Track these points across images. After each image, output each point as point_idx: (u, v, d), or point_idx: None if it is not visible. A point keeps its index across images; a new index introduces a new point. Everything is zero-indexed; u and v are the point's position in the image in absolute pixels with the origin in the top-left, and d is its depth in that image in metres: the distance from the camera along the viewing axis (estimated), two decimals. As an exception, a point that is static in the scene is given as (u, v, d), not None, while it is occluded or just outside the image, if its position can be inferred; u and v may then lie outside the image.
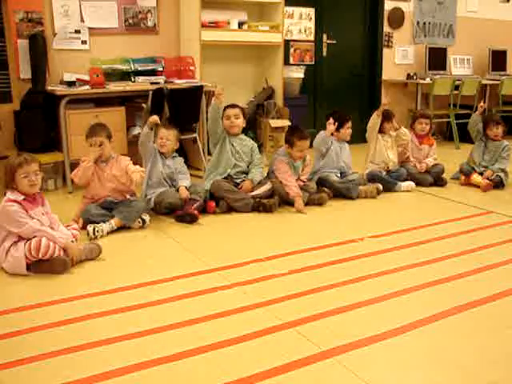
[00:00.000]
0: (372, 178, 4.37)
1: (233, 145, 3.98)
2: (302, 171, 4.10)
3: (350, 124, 4.31)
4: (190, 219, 3.49)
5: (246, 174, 4.00)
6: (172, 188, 3.72)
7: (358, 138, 5.47)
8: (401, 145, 4.58)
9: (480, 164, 4.63)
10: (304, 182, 4.05)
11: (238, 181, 3.92)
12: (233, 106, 4.05)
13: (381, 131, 4.49)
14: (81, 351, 1.98)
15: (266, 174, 4.12)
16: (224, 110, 4.01)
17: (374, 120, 4.42)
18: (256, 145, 4.14)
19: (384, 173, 4.45)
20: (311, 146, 4.23)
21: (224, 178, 3.89)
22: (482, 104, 4.68)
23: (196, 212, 3.52)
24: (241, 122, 4.02)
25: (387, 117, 4.46)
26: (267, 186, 3.89)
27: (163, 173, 3.72)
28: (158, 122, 3.69)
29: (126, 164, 3.43)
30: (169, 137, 3.75)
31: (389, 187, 4.35)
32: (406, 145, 4.62)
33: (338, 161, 4.28)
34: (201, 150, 4.90)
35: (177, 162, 3.83)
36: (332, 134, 4.26)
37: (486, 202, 4.07)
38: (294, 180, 3.94)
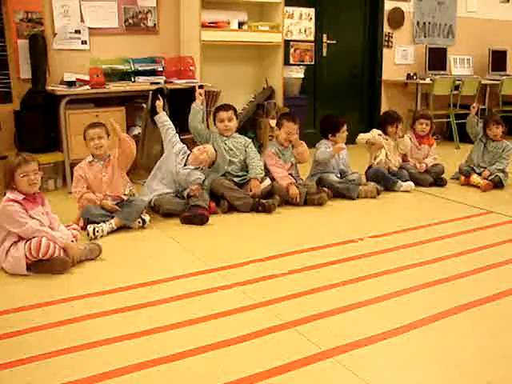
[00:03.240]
0: (375, 175, 4.36)
1: (225, 143, 3.97)
2: (294, 159, 4.11)
3: (344, 128, 4.27)
4: (200, 221, 3.44)
5: (245, 171, 3.98)
6: (173, 194, 3.69)
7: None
8: (400, 152, 4.58)
9: (479, 165, 4.62)
10: (300, 180, 4.06)
11: (236, 179, 3.91)
12: (225, 108, 4.02)
13: (385, 133, 4.49)
14: (81, 351, 1.98)
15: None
16: (217, 111, 4.01)
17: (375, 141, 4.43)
18: (250, 140, 4.12)
19: (386, 171, 4.44)
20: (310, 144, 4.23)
21: (222, 176, 3.90)
22: (474, 105, 4.70)
23: (205, 212, 3.49)
24: (234, 124, 4.02)
25: (390, 120, 4.45)
26: (266, 183, 3.89)
27: (173, 173, 3.69)
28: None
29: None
30: (209, 153, 3.76)
31: (389, 185, 4.35)
32: (405, 153, 4.63)
33: (337, 164, 4.28)
34: (201, 149, 4.90)
35: (194, 177, 3.66)
36: (328, 139, 4.28)
37: (486, 202, 4.07)
38: (283, 170, 3.97)
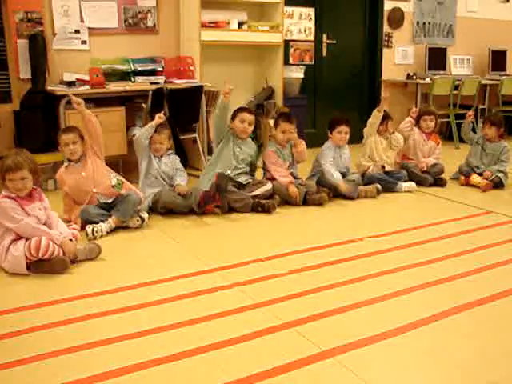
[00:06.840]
0: (372, 181, 4.34)
1: (238, 147, 3.95)
2: (293, 159, 4.12)
3: (342, 128, 4.20)
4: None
5: (249, 174, 3.98)
6: (170, 187, 3.73)
7: (358, 138, 5.48)
8: (393, 149, 4.57)
9: (478, 167, 4.60)
10: (297, 177, 4.08)
11: (239, 179, 3.90)
12: (251, 111, 4.04)
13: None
14: (81, 351, 1.98)
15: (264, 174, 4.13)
16: (240, 111, 3.97)
17: (375, 116, 4.39)
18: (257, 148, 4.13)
19: (382, 173, 4.43)
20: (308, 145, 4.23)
21: None
22: (469, 113, 4.71)
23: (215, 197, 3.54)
24: (251, 129, 4.02)
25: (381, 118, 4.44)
26: (267, 186, 3.88)
27: (159, 171, 3.72)
28: (164, 118, 3.70)
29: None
30: (162, 140, 3.75)
31: (389, 187, 4.34)
32: (399, 150, 4.62)
33: (337, 165, 4.26)
34: (201, 150, 4.90)
35: (173, 160, 3.83)
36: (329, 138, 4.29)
37: (486, 202, 4.07)
38: (283, 169, 3.99)
